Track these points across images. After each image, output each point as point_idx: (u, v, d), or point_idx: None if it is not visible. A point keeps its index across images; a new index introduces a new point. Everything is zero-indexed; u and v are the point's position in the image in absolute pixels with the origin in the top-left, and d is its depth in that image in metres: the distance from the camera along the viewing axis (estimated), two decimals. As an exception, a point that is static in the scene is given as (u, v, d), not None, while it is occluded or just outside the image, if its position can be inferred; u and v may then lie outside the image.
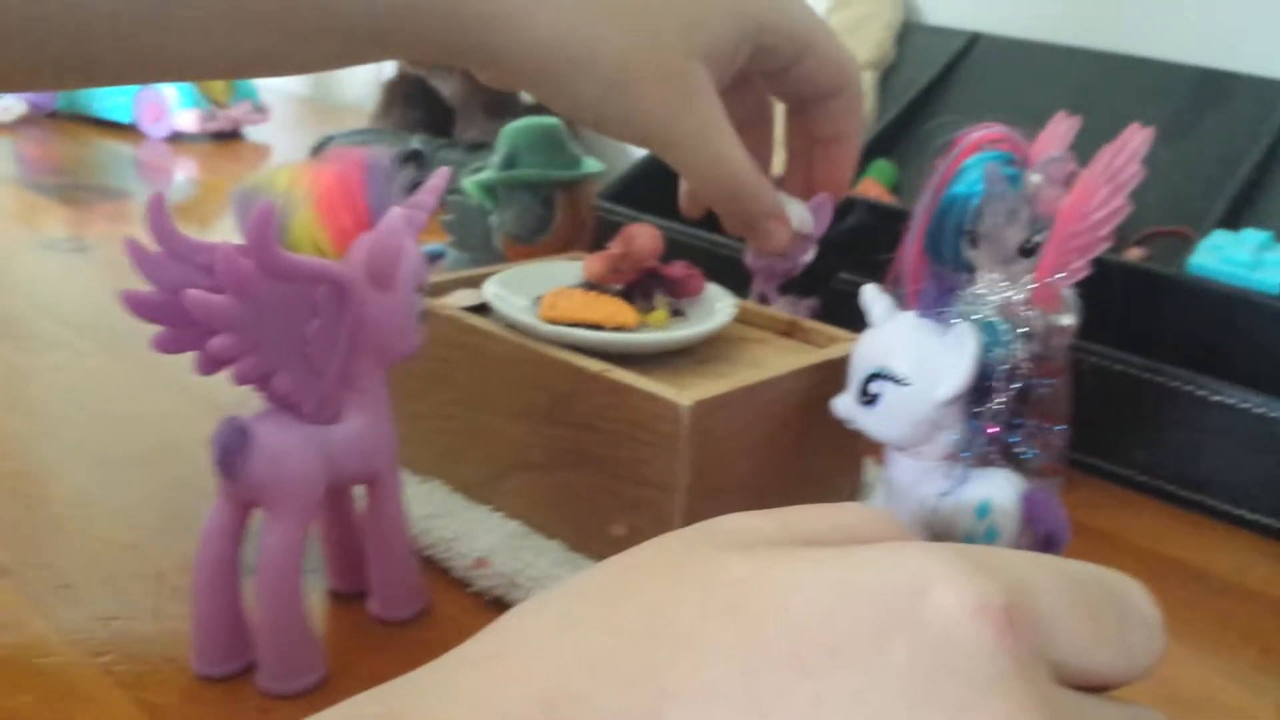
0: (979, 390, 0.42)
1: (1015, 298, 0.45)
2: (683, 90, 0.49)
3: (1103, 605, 0.25)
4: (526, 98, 1.27)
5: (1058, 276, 0.59)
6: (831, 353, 0.51)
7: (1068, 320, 0.59)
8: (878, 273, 0.67)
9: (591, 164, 0.69)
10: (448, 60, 0.48)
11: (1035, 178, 0.54)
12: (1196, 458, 0.60)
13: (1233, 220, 0.74)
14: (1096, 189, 0.60)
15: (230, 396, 0.41)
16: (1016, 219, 0.53)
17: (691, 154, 0.51)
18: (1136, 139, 0.60)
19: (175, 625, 0.44)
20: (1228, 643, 0.50)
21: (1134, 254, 0.76)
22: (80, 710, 0.40)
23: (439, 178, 0.45)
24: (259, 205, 0.36)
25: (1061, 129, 0.59)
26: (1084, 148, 0.59)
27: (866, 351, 0.44)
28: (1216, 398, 0.59)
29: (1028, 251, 0.53)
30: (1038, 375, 0.58)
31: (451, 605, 0.47)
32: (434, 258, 0.73)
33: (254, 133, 1.43)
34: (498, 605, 0.47)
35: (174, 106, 1.35)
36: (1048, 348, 0.59)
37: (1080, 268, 0.59)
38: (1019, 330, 0.44)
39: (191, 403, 0.63)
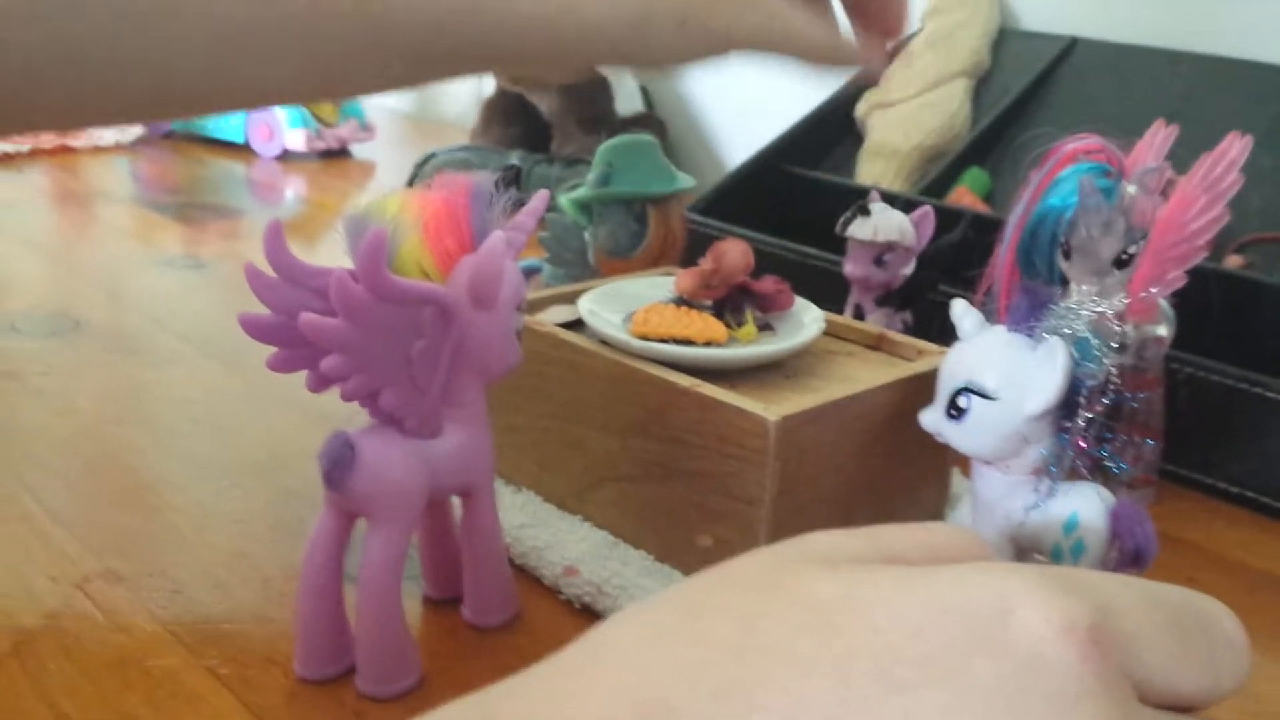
0: (1068, 405, 0.42)
1: (1107, 311, 0.45)
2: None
3: (1189, 626, 0.25)
4: (623, 112, 1.29)
5: (1154, 288, 0.59)
6: (919, 366, 0.51)
7: (1163, 331, 0.59)
8: (976, 286, 0.68)
9: (684, 179, 0.70)
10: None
11: (1131, 189, 0.54)
12: (1287, 467, 0.59)
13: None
14: (1194, 199, 0.59)
15: (339, 411, 0.43)
16: (1111, 231, 0.53)
17: (776, 33, 0.50)
18: (1235, 148, 0.59)
19: (280, 629, 0.46)
20: (1321, 659, 0.49)
21: (1233, 261, 0.75)
22: (186, 710, 0.42)
23: (538, 200, 0.47)
24: (370, 233, 0.38)
25: (1159, 138, 0.59)
26: (1184, 155, 0.58)
27: (955, 365, 0.45)
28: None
29: (1122, 264, 0.53)
30: (1132, 388, 0.58)
31: (541, 612, 0.49)
32: (530, 273, 0.74)
33: (360, 150, 1.48)
34: (586, 612, 0.48)
35: (284, 126, 1.39)
36: (1142, 359, 0.59)
37: (1177, 278, 0.58)
38: (1110, 344, 0.44)
39: (302, 417, 0.66)
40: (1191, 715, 0.25)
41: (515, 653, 0.46)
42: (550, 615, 0.49)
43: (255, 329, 0.39)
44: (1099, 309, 0.43)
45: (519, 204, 0.46)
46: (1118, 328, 0.43)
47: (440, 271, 0.42)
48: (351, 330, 0.38)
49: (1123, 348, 0.57)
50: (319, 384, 0.40)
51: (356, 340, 0.38)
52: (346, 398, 0.40)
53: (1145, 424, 0.60)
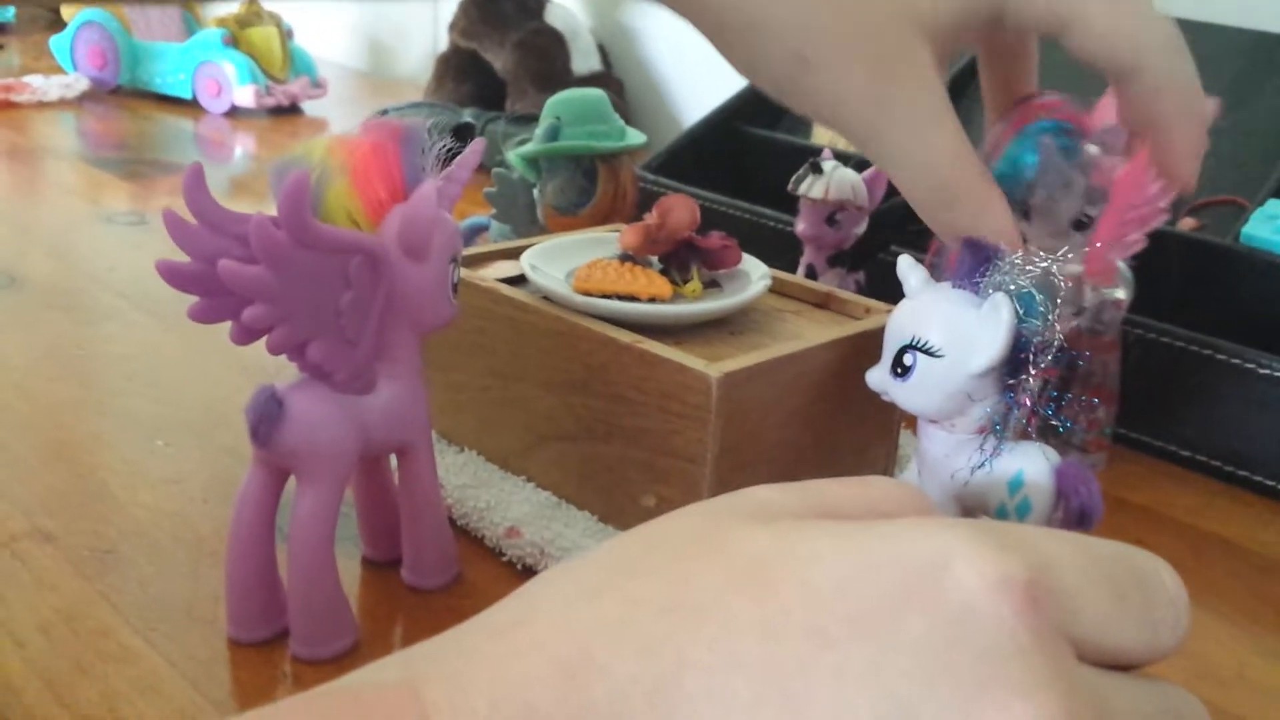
0: (1013, 362, 0.42)
1: (1059, 268, 0.44)
2: (890, 72, 0.42)
3: (1128, 583, 0.25)
4: (579, 70, 1.27)
5: (1112, 252, 0.58)
6: (866, 324, 0.51)
7: (1121, 294, 0.58)
8: (927, 245, 0.67)
9: (634, 136, 0.68)
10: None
11: (1092, 149, 0.53)
12: (1243, 432, 0.59)
13: (1290, 190, 0.72)
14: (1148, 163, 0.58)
15: (277, 367, 0.42)
16: (1071, 192, 0.52)
17: (896, 149, 0.43)
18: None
19: (212, 590, 0.45)
20: (1264, 620, 0.49)
21: (1186, 224, 0.75)
22: (115, 673, 0.41)
23: (472, 151, 0.46)
24: (292, 176, 0.37)
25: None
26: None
27: (900, 322, 0.44)
28: (1265, 370, 0.58)
29: (1082, 225, 0.52)
30: (1091, 351, 0.57)
31: (483, 574, 0.48)
32: (478, 230, 0.73)
33: (311, 107, 1.45)
34: (528, 574, 0.47)
35: (233, 82, 1.36)
36: (1100, 323, 0.58)
37: (1137, 241, 0.58)
38: (1058, 300, 0.43)
39: (240, 373, 0.64)
40: (1130, 673, 0.25)
41: (455, 615, 0.45)
42: (492, 577, 0.48)
43: (174, 277, 0.37)
44: (1044, 264, 0.42)
45: (454, 156, 0.45)
46: (1064, 284, 0.42)
47: (370, 220, 0.41)
48: (273, 278, 0.37)
49: (1080, 311, 0.56)
50: (243, 335, 0.38)
51: (279, 289, 0.37)
52: (272, 350, 0.39)
53: (1100, 387, 0.59)
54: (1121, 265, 0.58)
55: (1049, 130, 0.51)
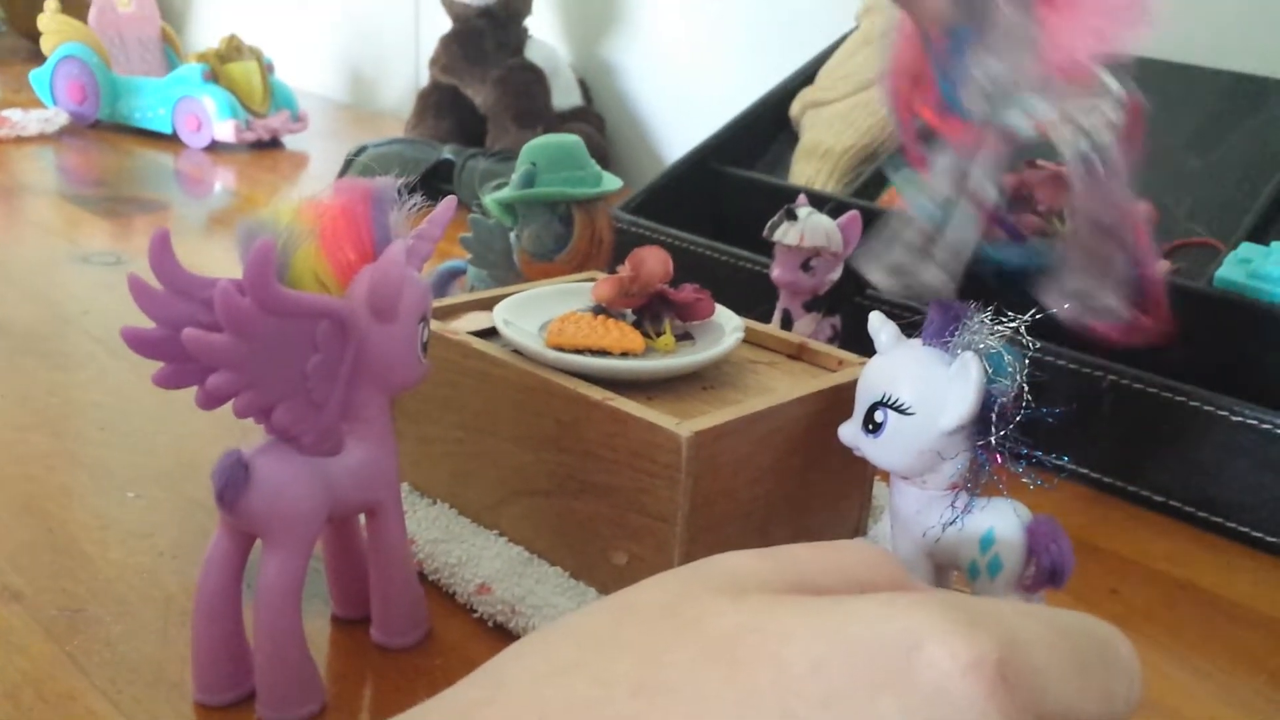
0: (983, 420, 0.42)
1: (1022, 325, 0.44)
2: None
3: (1089, 656, 0.25)
4: (560, 106, 1.28)
5: (1083, 49, 0.53)
6: (839, 377, 0.51)
7: (1109, 112, 0.53)
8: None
9: (610, 181, 0.68)
10: None
11: None
12: (1218, 479, 0.59)
13: (1263, 233, 0.73)
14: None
15: (250, 420, 0.41)
16: None
17: None
18: None
19: (180, 651, 0.45)
20: (1237, 670, 0.49)
21: (1161, 267, 0.75)
22: (81, 739, 0.41)
23: (444, 208, 0.46)
24: (258, 242, 0.36)
25: None
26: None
27: (872, 379, 0.44)
28: (1238, 418, 0.58)
29: None
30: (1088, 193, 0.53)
31: (454, 631, 0.48)
32: (455, 274, 0.73)
33: (292, 142, 1.45)
34: (499, 630, 0.47)
35: (213, 117, 1.36)
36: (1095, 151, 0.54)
37: (1118, 36, 0.53)
38: (1026, 360, 0.43)
39: (214, 424, 0.63)
40: None
41: (425, 675, 0.45)
42: (462, 635, 0.48)
43: (139, 344, 0.37)
44: (1012, 324, 0.42)
45: (432, 206, 0.45)
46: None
47: (339, 282, 0.41)
48: (238, 345, 0.36)
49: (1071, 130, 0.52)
50: (207, 401, 0.38)
51: (244, 355, 0.37)
52: (239, 414, 0.38)
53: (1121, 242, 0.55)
54: (1109, 78, 0.53)
55: None
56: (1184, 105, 0.85)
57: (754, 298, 0.68)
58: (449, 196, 0.46)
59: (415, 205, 0.44)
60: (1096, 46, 0.52)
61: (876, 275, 0.53)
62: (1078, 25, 0.52)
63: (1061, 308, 0.53)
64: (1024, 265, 0.58)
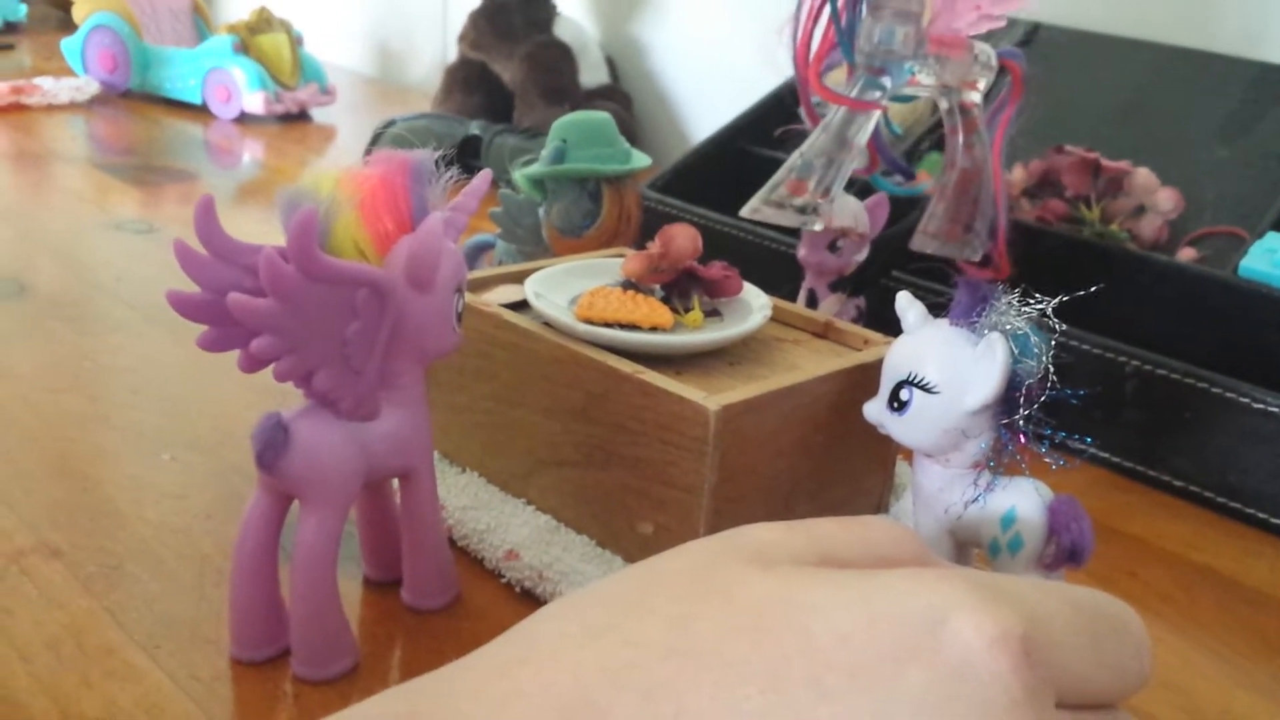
0: (1008, 400, 0.43)
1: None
2: None
3: (1104, 632, 0.25)
4: (587, 83, 1.28)
5: (962, 21, 0.58)
6: (865, 356, 0.51)
7: (982, 75, 0.59)
8: (929, 273, 0.68)
9: (639, 158, 0.69)
10: None
11: None
12: (1236, 465, 0.60)
13: (1288, 223, 0.73)
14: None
15: (285, 384, 0.42)
16: None
17: None
18: None
19: (216, 608, 0.46)
20: (1251, 654, 0.50)
21: (1186, 254, 0.75)
22: (120, 690, 0.42)
23: (480, 180, 0.46)
24: (301, 211, 0.37)
25: None
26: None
27: (898, 358, 0.45)
28: (1259, 405, 0.58)
29: None
30: (966, 148, 0.58)
31: (482, 595, 0.49)
32: (484, 248, 0.74)
33: (320, 114, 1.46)
34: (527, 596, 0.48)
35: (243, 89, 1.37)
36: (966, 106, 0.59)
37: (993, 17, 0.58)
38: (1053, 342, 0.43)
39: (247, 389, 0.65)
40: (1100, 713, 0.25)
41: (453, 636, 0.46)
42: (491, 599, 0.49)
43: (185, 307, 0.38)
44: (1040, 305, 0.43)
45: (470, 175, 0.46)
46: (1056, 324, 0.43)
47: (377, 252, 0.42)
48: (281, 311, 0.37)
49: (947, 93, 0.58)
50: (250, 364, 0.39)
51: (287, 321, 0.38)
52: (279, 378, 0.39)
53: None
54: (983, 47, 0.58)
55: None
56: (1212, 95, 0.85)
57: (779, 277, 0.69)
58: (484, 170, 0.47)
59: (451, 178, 0.45)
60: (974, 25, 0.55)
61: (757, 209, 0.60)
62: (959, 5, 0.56)
63: (927, 247, 0.61)
64: (909, 195, 0.68)
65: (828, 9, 0.59)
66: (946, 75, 0.58)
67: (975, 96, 0.58)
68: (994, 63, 0.58)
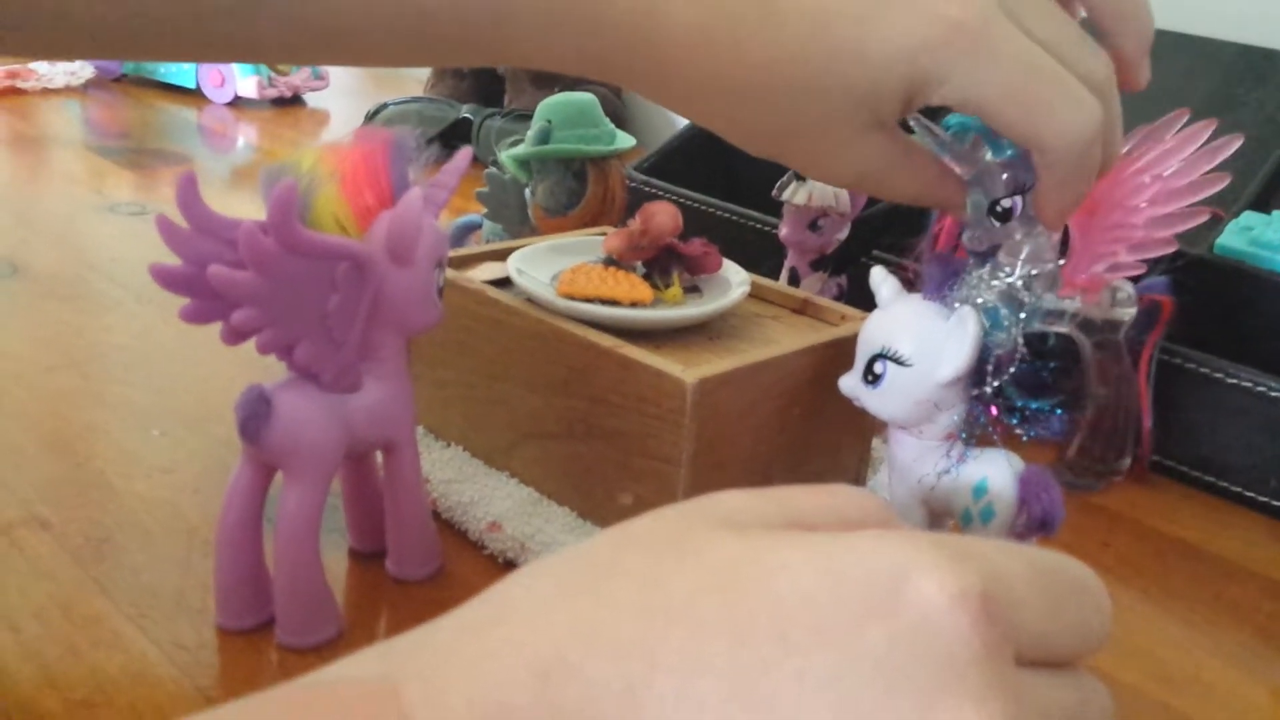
0: (979, 373, 0.43)
1: (1018, 281, 0.45)
2: (837, 148, 0.44)
3: (1064, 593, 0.26)
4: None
5: (1098, 267, 0.59)
6: (841, 331, 0.52)
7: (1122, 314, 0.59)
8: (910, 252, 0.68)
9: (624, 139, 0.70)
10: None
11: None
12: (1212, 440, 0.61)
13: (1265, 202, 0.74)
14: (1140, 184, 0.59)
15: (272, 361, 0.43)
16: (983, 182, 0.52)
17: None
18: (1207, 137, 0.58)
19: (203, 579, 0.47)
20: (1222, 623, 0.51)
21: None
22: (107, 659, 0.42)
23: (460, 158, 0.47)
24: (281, 184, 0.38)
25: None
26: (1124, 123, 0.59)
27: (872, 332, 0.45)
28: (1232, 380, 0.59)
29: (1001, 216, 0.53)
30: (1100, 379, 0.59)
31: (465, 566, 0.49)
32: (470, 228, 0.74)
33: (313, 99, 1.46)
34: (509, 567, 0.49)
35: (236, 73, 1.38)
36: (1105, 342, 0.59)
37: (1129, 265, 0.58)
38: (1021, 314, 0.44)
39: (236, 364, 0.66)
40: (1060, 671, 0.26)
41: (437, 606, 0.46)
42: (474, 570, 0.49)
43: (166, 279, 0.39)
44: (1009, 279, 0.44)
45: (446, 159, 0.47)
46: (1025, 298, 0.44)
47: (358, 226, 0.42)
48: (262, 283, 0.38)
49: (1088, 326, 0.58)
50: (232, 337, 0.40)
51: (267, 293, 0.38)
52: (261, 350, 0.40)
53: (1116, 421, 0.61)
54: (1123, 284, 0.58)
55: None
56: (1192, 76, 0.85)
57: (762, 257, 0.70)
58: (465, 148, 0.48)
59: (432, 156, 0.45)
60: (1111, 271, 0.56)
61: None
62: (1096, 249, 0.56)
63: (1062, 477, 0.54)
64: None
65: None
66: (1084, 314, 0.58)
67: (1116, 336, 0.59)
68: (1134, 301, 0.59)
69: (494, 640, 0.24)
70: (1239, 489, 0.60)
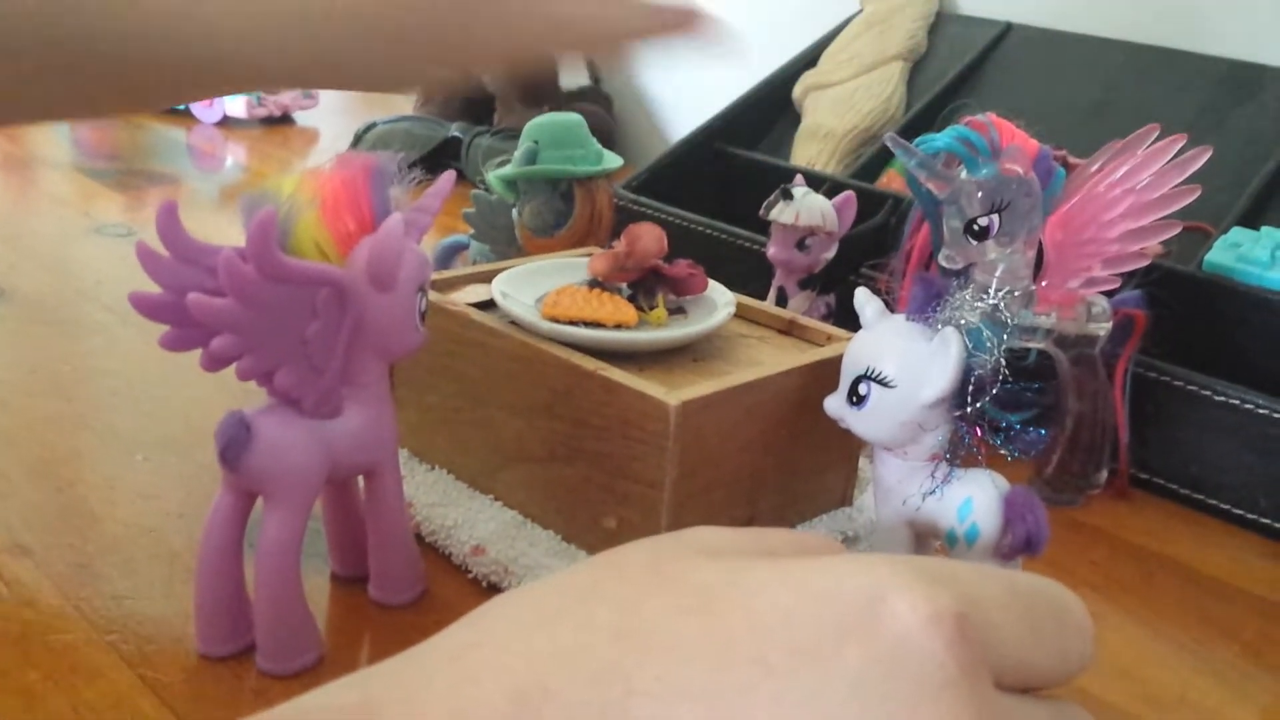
0: (962, 394, 0.43)
1: (1001, 303, 0.45)
2: None
3: (1043, 615, 0.26)
4: (568, 86, 1.29)
5: (1073, 283, 0.59)
6: (826, 352, 0.52)
7: (1096, 329, 0.59)
8: (884, 268, 0.68)
9: (611, 159, 0.70)
10: None
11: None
12: (1200, 457, 0.61)
13: (1253, 218, 0.74)
14: (1113, 199, 0.59)
15: (256, 387, 0.43)
16: (959, 200, 0.53)
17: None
18: (1174, 151, 0.58)
19: (183, 606, 0.46)
20: (1209, 641, 0.51)
21: (1153, 250, 0.76)
22: (85, 685, 0.42)
23: (444, 181, 0.47)
24: (261, 212, 0.38)
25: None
26: (1112, 139, 0.59)
27: (856, 353, 0.45)
28: (1220, 397, 0.59)
29: (977, 235, 0.53)
30: (1077, 393, 0.59)
31: (449, 590, 0.49)
32: (457, 249, 0.74)
33: (303, 118, 1.46)
34: (493, 590, 0.49)
35: (225, 92, 1.38)
36: (1081, 357, 0.59)
37: (1104, 279, 0.59)
38: (1004, 335, 0.44)
39: (221, 390, 0.65)
40: (1036, 694, 0.26)
41: (420, 631, 0.46)
42: (457, 593, 0.49)
43: (146, 307, 0.38)
44: (991, 302, 0.44)
45: (433, 181, 0.47)
46: (1007, 319, 0.44)
47: (339, 252, 0.42)
48: (241, 310, 0.38)
49: (1064, 341, 0.58)
50: (212, 364, 0.40)
51: (246, 320, 0.38)
52: (241, 377, 0.40)
53: (1092, 437, 0.60)
54: (1098, 299, 0.59)
55: (960, 137, 0.52)
56: (1180, 91, 0.86)
57: (751, 275, 0.70)
58: (448, 171, 0.48)
59: (414, 179, 0.45)
60: (1085, 286, 0.58)
61: None
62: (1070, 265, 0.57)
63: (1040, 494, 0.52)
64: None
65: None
66: (1060, 330, 0.59)
67: (1092, 351, 0.59)
68: (1109, 316, 0.59)
69: (473, 665, 0.24)
70: (1227, 506, 0.60)
